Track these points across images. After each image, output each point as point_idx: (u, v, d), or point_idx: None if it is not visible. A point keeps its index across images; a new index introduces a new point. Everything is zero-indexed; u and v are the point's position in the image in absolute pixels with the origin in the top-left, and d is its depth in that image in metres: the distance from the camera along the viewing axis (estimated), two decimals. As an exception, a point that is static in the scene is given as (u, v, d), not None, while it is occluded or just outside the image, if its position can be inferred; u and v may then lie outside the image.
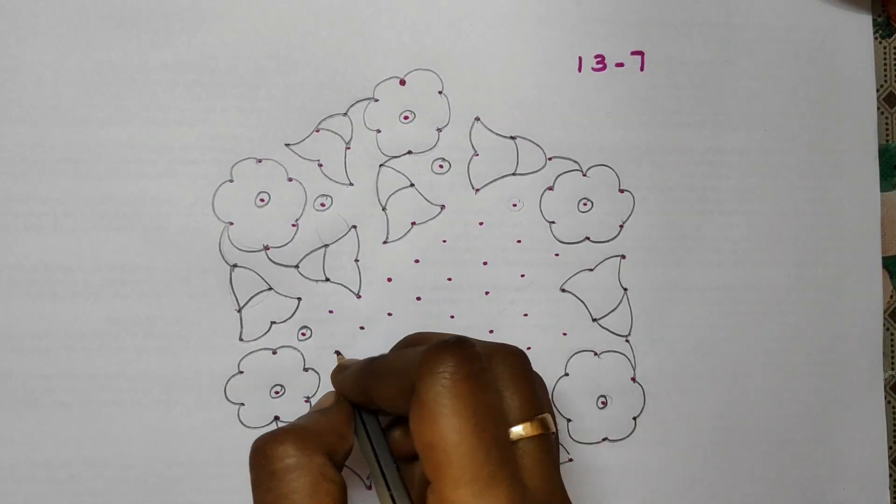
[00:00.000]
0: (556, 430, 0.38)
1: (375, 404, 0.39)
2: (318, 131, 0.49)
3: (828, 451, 0.52)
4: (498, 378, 0.37)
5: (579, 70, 0.51)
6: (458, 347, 0.35)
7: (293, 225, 0.49)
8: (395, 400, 0.37)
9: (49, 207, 0.48)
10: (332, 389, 0.45)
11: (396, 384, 0.37)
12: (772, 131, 0.52)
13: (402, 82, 0.50)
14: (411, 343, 0.44)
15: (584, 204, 0.51)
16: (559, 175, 0.50)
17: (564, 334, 0.50)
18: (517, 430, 0.35)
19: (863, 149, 0.53)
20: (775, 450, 0.51)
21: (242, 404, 0.48)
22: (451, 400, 0.34)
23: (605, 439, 0.50)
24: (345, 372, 0.42)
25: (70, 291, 0.48)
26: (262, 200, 0.49)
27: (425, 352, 0.35)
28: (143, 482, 0.48)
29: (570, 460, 0.50)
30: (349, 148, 0.49)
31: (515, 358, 0.38)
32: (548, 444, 0.36)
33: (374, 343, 0.49)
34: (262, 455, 0.37)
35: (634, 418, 0.50)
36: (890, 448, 0.52)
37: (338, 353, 0.49)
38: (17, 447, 0.47)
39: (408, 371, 0.36)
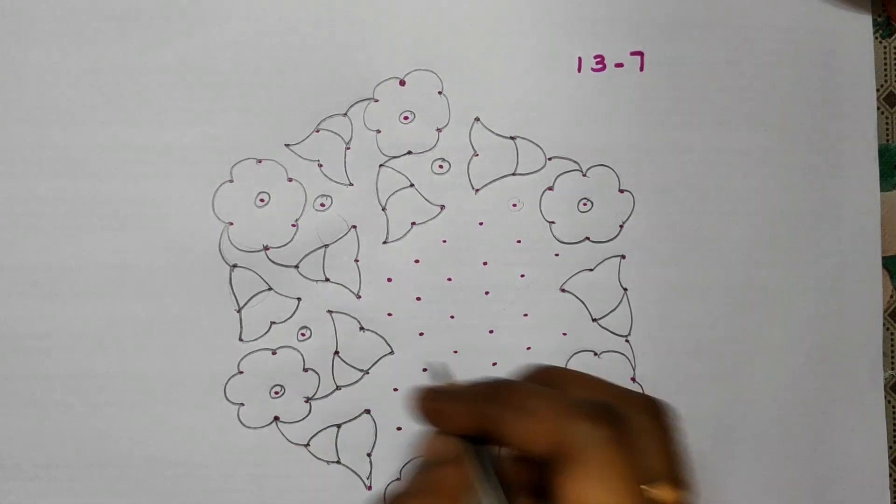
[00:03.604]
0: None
1: (493, 434, 0.36)
2: (318, 131, 0.49)
3: (828, 451, 0.52)
4: (651, 434, 0.36)
5: (579, 70, 0.51)
6: (614, 414, 0.34)
7: (293, 225, 0.49)
8: (534, 440, 0.34)
9: (49, 207, 0.48)
10: (425, 432, 0.41)
11: (541, 426, 0.34)
12: (772, 131, 0.52)
13: (402, 83, 0.50)
14: (544, 381, 0.40)
15: (584, 204, 0.51)
16: (559, 175, 0.50)
17: (564, 334, 0.50)
18: (657, 490, 0.35)
19: (863, 149, 0.53)
20: (775, 450, 0.51)
21: (242, 404, 0.48)
22: (604, 469, 0.33)
23: (604, 439, 0.50)
24: (455, 393, 0.38)
25: (70, 291, 0.48)
26: (261, 201, 0.49)
27: (588, 412, 0.34)
28: (143, 482, 0.48)
29: (570, 460, 0.50)
30: (349, 148, 0.49)
31: (663, 413, 0.37)
32: None
33: (374, 344, 0.49)
34: None
35: (634, 418, 0.50)
36: (890, 448, 0.52)
37: (427, 369, 0.48)
38: (18, 447, 0.47)
39: (557, 421, 0.34)
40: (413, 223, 0.50)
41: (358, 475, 0.49)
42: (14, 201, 0.48)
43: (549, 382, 0.40)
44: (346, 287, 0.49)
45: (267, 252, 0.49)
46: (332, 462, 0.48)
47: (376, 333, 0.49)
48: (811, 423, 0.52)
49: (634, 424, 0.35)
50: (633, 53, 0.51)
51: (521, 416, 0.35)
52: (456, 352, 0.49)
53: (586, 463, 0.33)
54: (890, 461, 0.52)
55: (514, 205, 0.50)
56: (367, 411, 0.49)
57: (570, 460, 0.34)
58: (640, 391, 0.50)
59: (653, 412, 0.37)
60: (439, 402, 0.38)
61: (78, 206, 0.48)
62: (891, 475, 0.52)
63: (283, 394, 0.48)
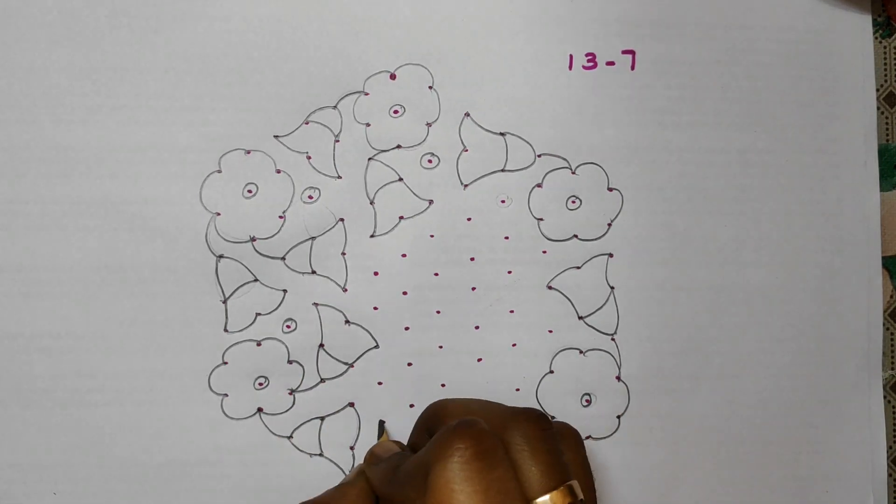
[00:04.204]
0: (593, 493, 0.38)
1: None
2: (307, 123, 0.49)
3: (827, 452, 0.51)
4: (516, 449, 0.36)
5: (570, 68, 0.50)
6: (465, 429, 0.35)
7: (280, 217, 0.49)
8: (416, 501, 0.36)
9: (36, 201, 0.48)
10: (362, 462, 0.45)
11: (415, 485, 0.36)
12: (770, 131, 0.52)
13: (393, 76, 0.50)
14: (431, 417, 0.43)
15: (573, 202, 0.50)
16: (548, 172, 0.50)
17: (550, 332, 0.50)
18: (543, 500, 0.35)
19: (863, 149, 0.52)
20: (767, 451, 0.51)
21: (226, 395, 0.48)
22: (461, 484, 0.34)
23: (588, 437, 0.50)
24: (377, 468, 0.42)
25: (62, 288, 0.48)
26: (249, 192, 0.49)
27: (434, 440, 0.35)
28: (126, 473, 0.48)
29: (554, 458, 0.50)
30: (338, 141, 0.50)
31: (531, 425, 0.37)
32: None
33: (360, 337, 0.49)
34: None
35: (618, 417, 0.50)
36: (890, 448, 0.52)
37: (382, 422, 0.49)
38: (17, 447, 0.48)
39: (422, 467, 0.36)
40: (401, 217, 0.50)
41: (340, 468, 0.49)
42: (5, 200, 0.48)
43: (435, 417, 0.42)
44: (332, 280, 0.49)
45: (254, 243, 0.49)
46: (315, 455, 0.48)
47: (362, 327, 0.49)
48: (809, 423, 0.51)
49: (512, 438, 0.36)
50: (624, 52, 0.51)
51: (404, 487, 0.37)
52: (441, 347, 0.49)
53: (445, 482, 0.34)
54: (890, 461, 0.52)
55: (503, 201, 0.50)
56: (351, 404, 0.49)
57: (429, 487, 0.35)
58: (626, 389, 0.50)
59: (527, 424, 0.37)
60: (371, 478, 0.41)
61: (66, 196, 0.48)
62: (891, 475, 0.52)
63: (267, 385, 0.49)
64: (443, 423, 0.41)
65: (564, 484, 0.36)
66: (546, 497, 0.35)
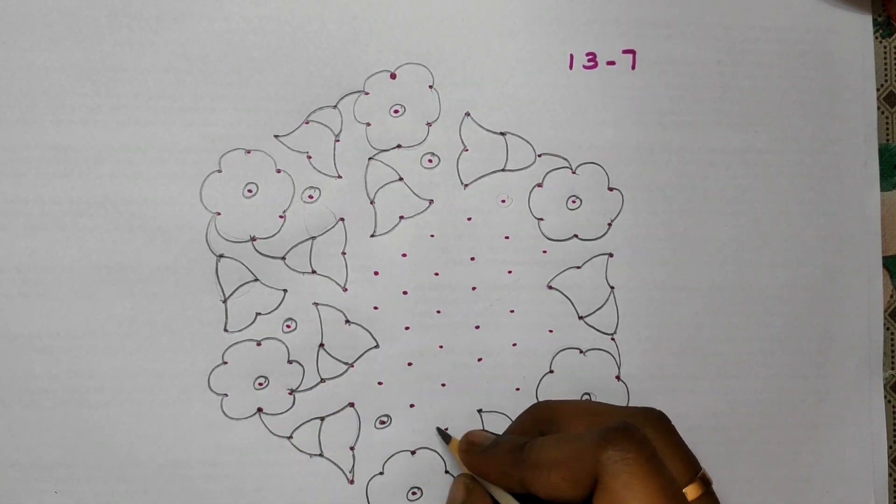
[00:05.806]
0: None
1: (529, 491, 0.39)
2: (307, 123, 0.49)
3: (827, 452, 0.51)
4: (658, 445, 0.38)
5: (570, 68, 0.50)
6: (631, 433, 0.37)
7: (280, 216, 0.49)
8: (564, 490, 0.37)
9: (36, 201, 0.48)
10: (460, 474, 0.46)
11: (567, 475, 0.37)
12: (770, 131, 0.52)
13: (393, 76, 0.50)
14: (542, 419, 0.44)
15: (573, 201, 0.50)
16: (548, 172, 0.50)
17: (550, 331, 0.50)
18: (687, 490, 0.38)
19: (863, 149, 0.52)
20: (767, 451, 0.51)
21: (226, 395, 0.48)
22: (641, 486, 0.36)
23: (588, 438, 0.50)
24: (486, 454, 0.43)
25: (62, 288, 0.48)
26: (249, 191, 0.49)
27: (600, 441, 0.37)
28: (127, 473, 0.48)
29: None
30: (338, 140, 0.49)
31: (663, 423, 0.40)
32: (713, 497, 0.38)
33: (360, 337, 0.49)
34: None
35: (618, 417, 0.50)
36: (890, 448, 0.52)
37: (439, 430, 0.49)
38: (18, 446, 0.47)
39: (580, 460, 0.37)
40: (401, 217, 0.50)
41: (340, 468, 0.49)
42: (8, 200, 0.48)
43: (547, 418, 0.43)
44: (332, 280, 0.49)
45: (254, 243, 0.49)
46: (315, 455, 0.48)
47: (362, 327, 0.49)
48: (809, 423, 0.51)
49: (650, 438, 0.38)
50: (625, 52, 0.51)
51: (546, 472, 0.38)
52: (441, 347, 0.49)
53: (623, 485, 0.36)
54: (890, 461, 0.52)
55: (503, 201, 0.50)
56: (351, 405, 0.49)
57: (606, 489, 0.36)
58: (626, 389, 0.50)
59: (656, 422, 0.40)
60: (480, 465, 0.43)
61: (66, 196, 0.48)
62: (891, 475, 0.52)
63: (267, 385, 0.48)
64: (560, 425, 0.43)
65: (699, 474, 0.38)
66: (688, 488, 0.38)
